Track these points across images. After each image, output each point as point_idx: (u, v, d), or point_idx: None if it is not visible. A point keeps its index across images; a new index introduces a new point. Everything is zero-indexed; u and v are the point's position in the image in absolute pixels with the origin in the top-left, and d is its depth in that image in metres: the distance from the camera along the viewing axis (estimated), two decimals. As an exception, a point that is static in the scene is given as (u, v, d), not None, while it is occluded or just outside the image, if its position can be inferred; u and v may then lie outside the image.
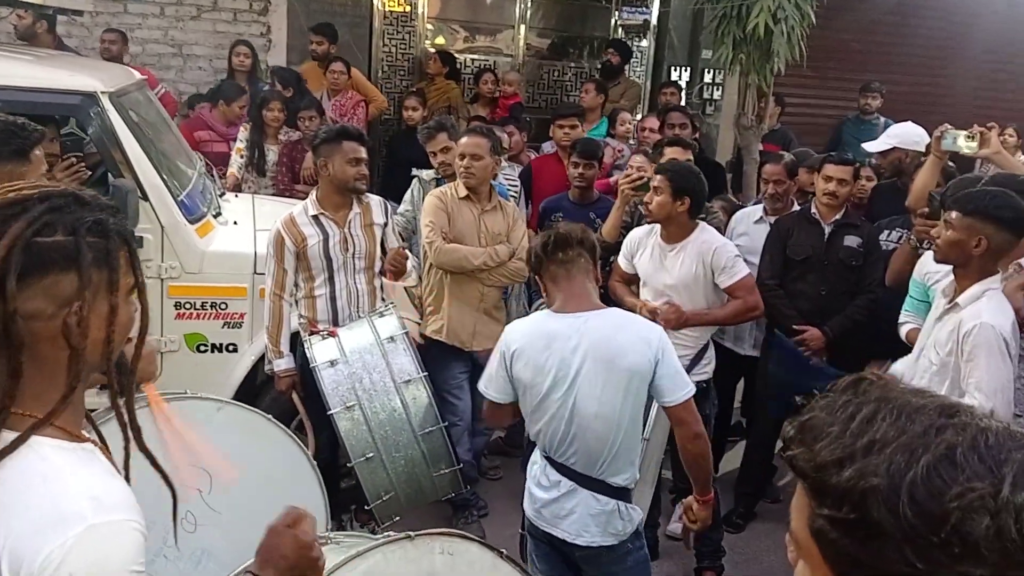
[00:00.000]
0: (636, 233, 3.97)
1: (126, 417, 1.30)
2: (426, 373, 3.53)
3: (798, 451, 0.77)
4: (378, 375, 3.44)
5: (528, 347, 2.63)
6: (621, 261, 3.98)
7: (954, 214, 2.82)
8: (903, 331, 3.71)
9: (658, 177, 3.69)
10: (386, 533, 1.89)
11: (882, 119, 7.46)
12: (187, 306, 4.05)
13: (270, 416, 2.77)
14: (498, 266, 4.11)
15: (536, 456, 2.79)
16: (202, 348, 4.09)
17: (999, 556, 0.66)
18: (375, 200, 3.93)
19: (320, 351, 3.49)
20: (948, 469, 0.69)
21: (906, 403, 0.75)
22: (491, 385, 2.75)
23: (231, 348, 4.11)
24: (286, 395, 3.77)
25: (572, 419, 2.60)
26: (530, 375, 2.63)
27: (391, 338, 3.55)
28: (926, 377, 2.92)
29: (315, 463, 2.83)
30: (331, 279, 3.77)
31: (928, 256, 3.61)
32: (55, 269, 1.17)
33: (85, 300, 1.19)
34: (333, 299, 3.78)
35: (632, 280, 4.00)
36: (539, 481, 2.74)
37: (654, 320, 3.35)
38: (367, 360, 3.46)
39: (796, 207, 4.60)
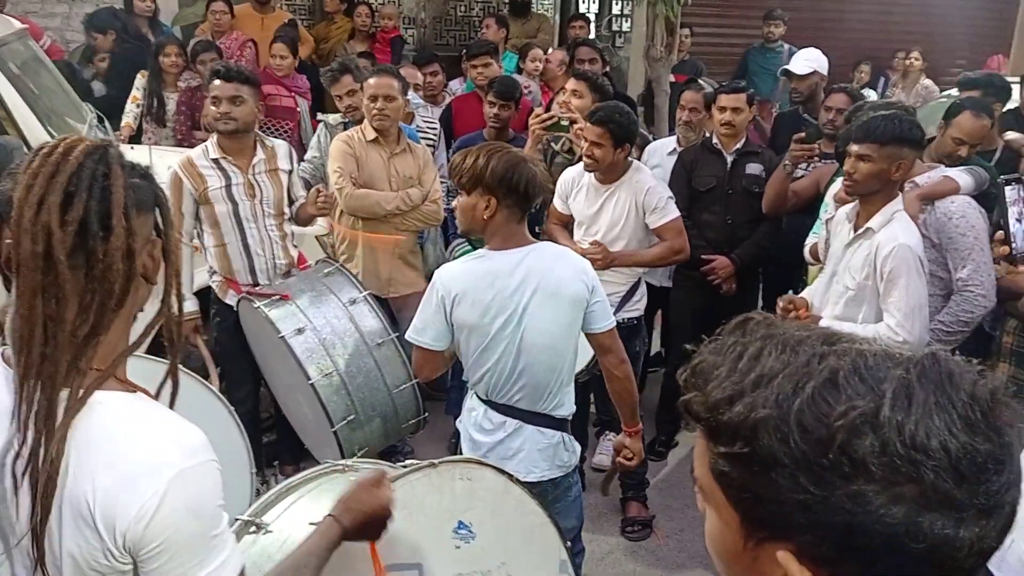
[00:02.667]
0: (569, 174, 3.93)
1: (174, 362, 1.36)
2: (397, 334, 3.51)
3: (692, 395, 0.78)
4: (350, 339, 3.42)
5: (471, 288, 2.57)
6: (556, 203, 3.94)
7: (869, 147, 2.83)
8: (807, 251, 3.81)
9: (597, 131, 3.61)
10: (409, 461, 1.93)
11: (786, 46, 7.56)
12: (86, 266, 3.87)
13: (188, 371, 2.71)
14: (411, 210, 4.05)
15: (473, 403, 2.76)
16: (106, 309, 3.93)
17: (887, 471, 0.68)
18: (281, 146, 3.79)
19: (281, 318, 3.38)
20: (832, 392, 0.70)
21: (790, 337, 0.76)
22: (426, 333, 2.63)
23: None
24: (191, 340, 3.64)
25: (520, 354, 2.59)
26: (476, 316, 2.57)
27: (352, 300, 3.51)
28: (840, 303, 3.00)
29: (238, 418, 2.80)
30: (240, 226, 3.62)
31: (838, 183, 3.70)
32: (145, 208, 1.24)
33: (170, 238, 1.27)
34: (246, 246, 3.64)
35: (568, 221, 3.97)
36: (481, 426, 2.71)
37: None
38: (336, 325, 3.43)
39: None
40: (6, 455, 1.16)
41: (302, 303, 3.45)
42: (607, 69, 5.81)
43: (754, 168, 4.32)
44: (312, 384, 3.27)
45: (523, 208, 2.58)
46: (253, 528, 1.85)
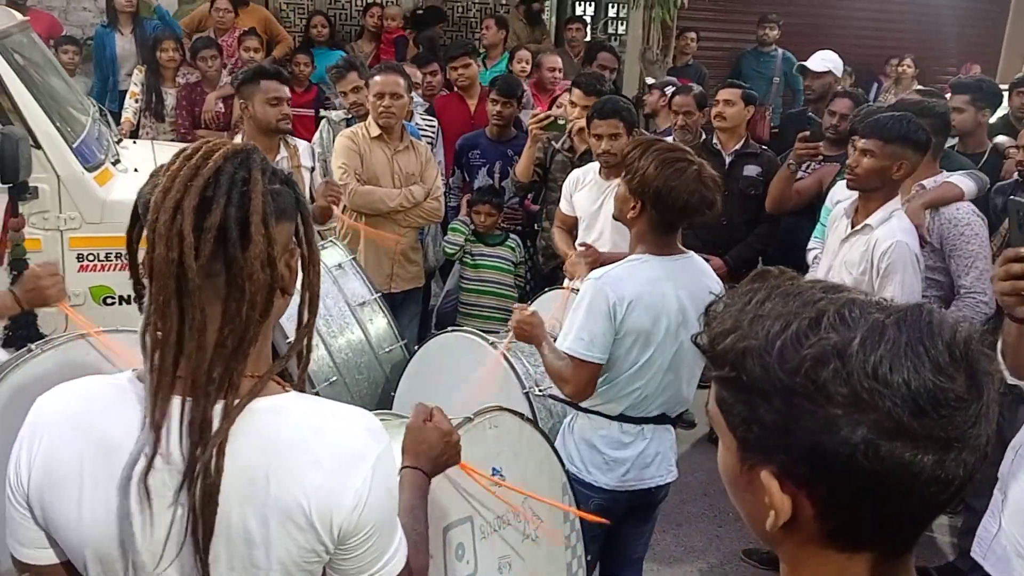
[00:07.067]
0: (575, 174, 3.93)
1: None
2: (380, 294, 3.51)
3: (703, 331, 0.87)
4: (331, 300, 3.39)
5: (645, 293, 2.41)
6: (562, 205, 3.93)
7: (874, 143, 2.92)
8: (811, 256, 3.87)
9: (611, 122, 3.62)
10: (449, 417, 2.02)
11: (780, 51, 7.64)
12: (90, 258, 3.89)
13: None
14: (414, 207, 4.08)
15: (595, 423, 2.58)
16: (109, 301, 3.94)
17: (849, 398, 0.75)
18: (303, 144, 3.89)
19: None
20: (813, 329, 0.78)
21: (796, 286, 0.84)
22: (596, 345, 2.39)
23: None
24: None
25: (673, 366, 2.50)
26: (649, 322, 2.42)
27: (339, 265, 3.51)
28: None
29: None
30: None
31: (839, 185, 3.77)
32: (285, 216, 1.20)
33: (312, 247, 1.24)
34: None
35: (572, 225, 3.91)
36: (619, 441, 2.56)
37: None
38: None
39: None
40: (132, 469, 1.12)
41: None
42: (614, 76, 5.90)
43: (751, 170, 4.37)
44: (289, 343, 3.23)
45: (669, 221, 2.46)
46: None
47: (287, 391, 1.23)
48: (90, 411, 1.18)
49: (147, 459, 1.11)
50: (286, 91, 3.65)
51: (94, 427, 1.16)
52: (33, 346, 2.19)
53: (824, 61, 5.12)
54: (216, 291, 1.13)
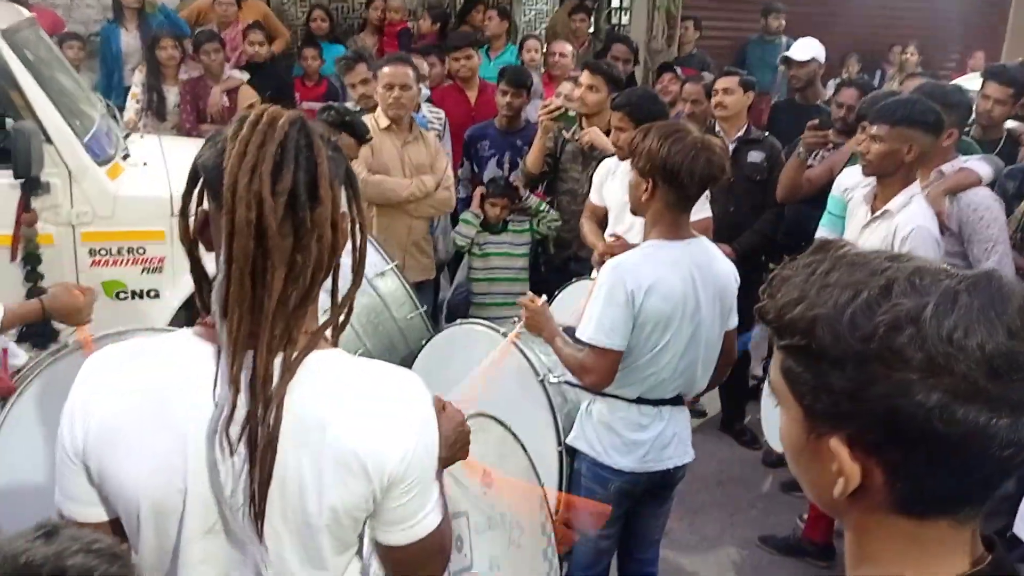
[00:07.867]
0: (606, 163, 3.89)
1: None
2: (397, 263, 3.45)
3: (766, 302, 0.87)
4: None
5: (662, 279, 2.42)
6: (592, 195, 3.91)
7: (882, 127, 2.93)
8: None
9: (617, 115, 3.60)
10: None
11: (784, 39, 7.62)
12: (102, 252, 3.89)
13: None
14: (424, 197, 4.08)
15: (612, 406, 2.60)
16: (121, 295, 3.95)
17: (924, 362, 0.75)
18: None
19: None
20: (885, 297, 0.79)
21: (860, 256, 0.85)
22: (616, 333, 2.41)
23: (152, 294, 3.98)
24: None
25: (690, 349, 2.51)
26: (669, 308, 2.43)
27: None
28: None
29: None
30: None
31: (846, 173, 3.76)
32: (340, 180, 1.24)
33: (361, 211, 1.29)
34: None
35: (603, 215, 3.87)
36: (638, 424, 2.58)
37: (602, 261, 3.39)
38: None
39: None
40: (217, 422, 1.17)
41: None
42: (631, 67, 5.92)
43: (755, 156, 4.35)
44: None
45: (681, 194, 2.45)
46: None
47: (333, 348, 1.28)
48: (142, 367, 1.23)
49: (228, 412, 1.16)
50: (357, 151, 3.63)
51: (147, 382, 1.21)
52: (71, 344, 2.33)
53: (807, 49, 5.13)
54: (282, 252, 1.17)
